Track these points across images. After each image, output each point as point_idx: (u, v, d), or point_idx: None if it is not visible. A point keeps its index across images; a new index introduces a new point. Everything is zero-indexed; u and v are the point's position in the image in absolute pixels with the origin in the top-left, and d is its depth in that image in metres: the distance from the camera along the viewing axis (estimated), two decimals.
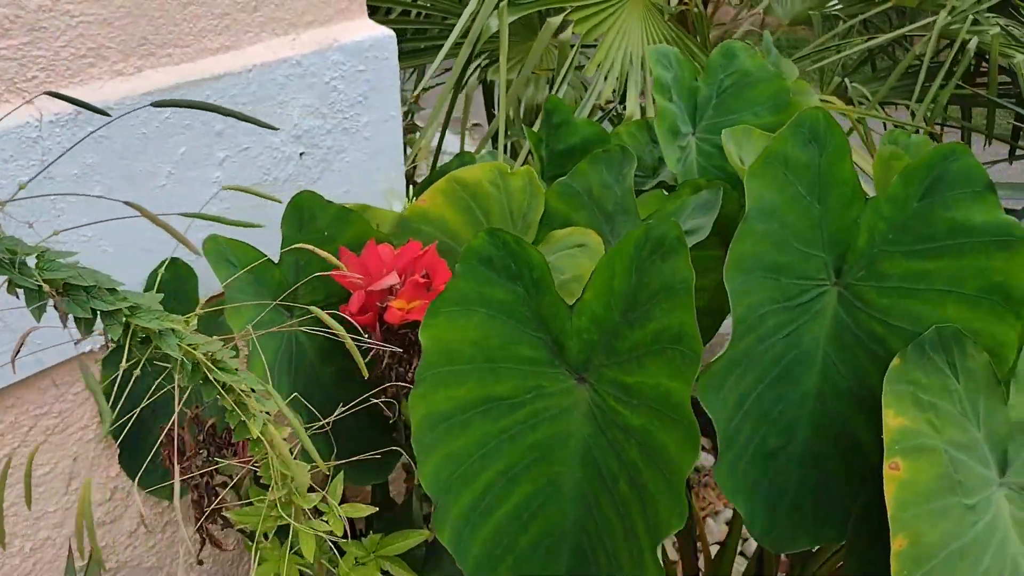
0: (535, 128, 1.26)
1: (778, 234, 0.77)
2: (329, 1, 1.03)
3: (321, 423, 0.66)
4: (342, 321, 0.57)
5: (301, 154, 1.03)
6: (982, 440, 0.77)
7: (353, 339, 0.58)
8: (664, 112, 1.16)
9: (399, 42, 1.10)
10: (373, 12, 1.77)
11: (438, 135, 1.76)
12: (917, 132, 1.49)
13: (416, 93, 1.69)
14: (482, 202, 1.02)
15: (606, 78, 1.57)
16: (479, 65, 1.84)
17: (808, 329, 0.80)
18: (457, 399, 0.74)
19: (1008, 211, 0.75)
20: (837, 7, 2.63)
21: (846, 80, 2.33)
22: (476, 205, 1.02)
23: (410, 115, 1.75)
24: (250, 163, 0.98)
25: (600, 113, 1.61)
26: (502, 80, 1.34)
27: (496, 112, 1.97)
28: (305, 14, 1.01)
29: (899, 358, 0.76)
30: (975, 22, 2.28)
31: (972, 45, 2.00)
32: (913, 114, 2.07)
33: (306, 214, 0.92)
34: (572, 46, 1.51)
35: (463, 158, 1.50)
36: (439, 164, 1.53)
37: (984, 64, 2.15)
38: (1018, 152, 2.28)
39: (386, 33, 1.09)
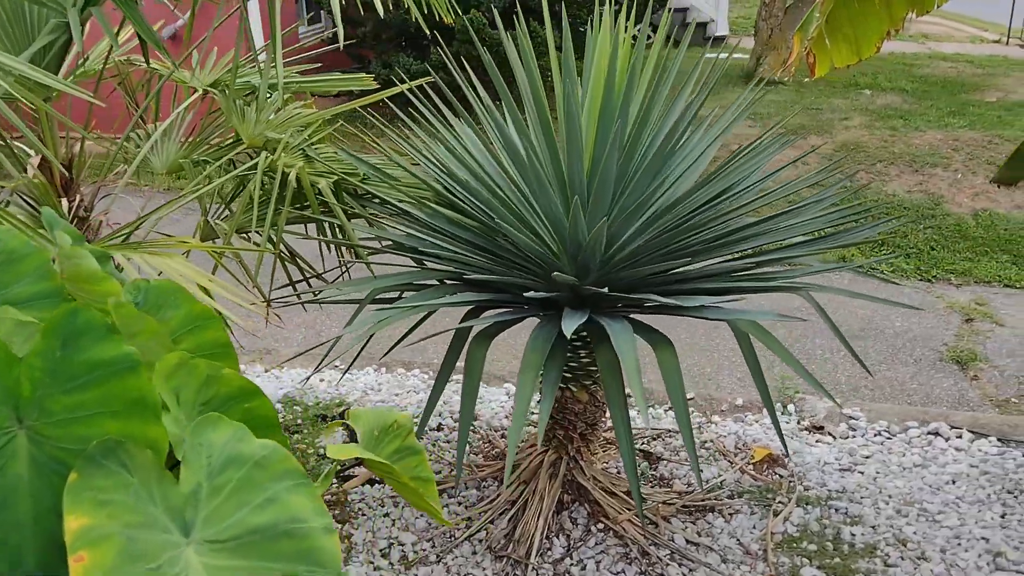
0: None
1: None
2: None
3: None
4: None
5: None
6: (162, 514, 1.00)
7: None
8: None
9: None
10: None
11: None
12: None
13: None
14: None
15: None
16: None
17: (10, 468, 0.97)
18: None
19: None
20: (206, 154, 2.95)
21: (210, 219, 2.64)
22: None
23: None
24: None
25: None
26: None
27: None
28: None
29: (75, 472, 0.96)
30: (307, 157, 2.74)
31: (292, 176, 2.42)
32: (270, 238, 2.44)
33: None
34: None
35: None
36: None
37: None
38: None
39: None
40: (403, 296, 2.62)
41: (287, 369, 3.75)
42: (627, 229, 2.20)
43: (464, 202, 2.45)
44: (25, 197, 2.35)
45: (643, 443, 3.08)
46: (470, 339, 2.25)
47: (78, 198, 2.57)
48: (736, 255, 2.38)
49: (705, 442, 3.09)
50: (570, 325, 1.89)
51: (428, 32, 3.05)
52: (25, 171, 2.51)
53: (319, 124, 3.04)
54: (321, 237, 2.65)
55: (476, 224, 2.41)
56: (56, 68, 2.46)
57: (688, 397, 3.48)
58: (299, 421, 3.16)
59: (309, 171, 2.50)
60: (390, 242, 2.58)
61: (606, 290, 2.00)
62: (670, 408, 3.38)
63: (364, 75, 3.26)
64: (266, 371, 3.47)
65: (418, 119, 2.64)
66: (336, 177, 2.50)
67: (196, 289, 2.15)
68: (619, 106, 2.22)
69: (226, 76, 3.00)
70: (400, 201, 2.55)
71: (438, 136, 2.57)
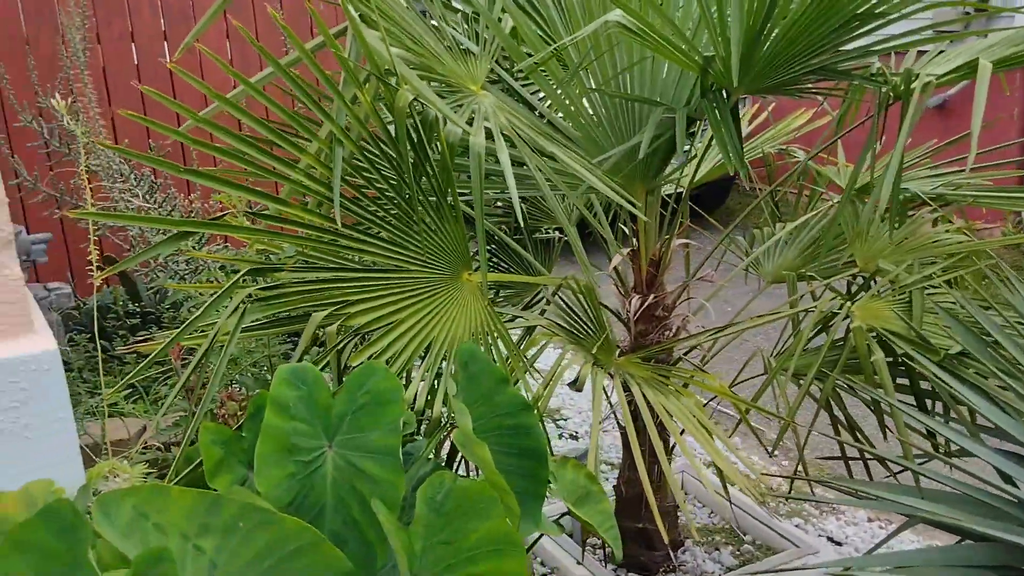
0: None
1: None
2: None
3: None
4: None
5: None
6: None
7: None
8: (269, 430, 1.22)
9: None
10: None
11: None
12: None
13: None
14: None
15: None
16: None
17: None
18: None
19: None
20: (813, 267, 2.54)
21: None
22: None
23: None
24: None
25: None
26: None
27: None
28: None
29: None
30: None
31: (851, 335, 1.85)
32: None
33: None
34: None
35: None
36: None
37: None
38: None
39: (46, 349, 1.31)
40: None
41: (856, 527, 3.02)
42: None
43: None
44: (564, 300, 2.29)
45: None
46: None
47: (652, 296, 2.42)
48: None
49: None
50: None
51: None
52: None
53: (963, 257, 2.34)
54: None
55: None
56: (664, 159, 2.35)
57: None
58: None
59: (876, 327, 1.89)
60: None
61: None
62: None
63: None
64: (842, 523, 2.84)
65: None
66: (902, 351, 1.84)
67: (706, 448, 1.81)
68: None
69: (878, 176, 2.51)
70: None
71: None
